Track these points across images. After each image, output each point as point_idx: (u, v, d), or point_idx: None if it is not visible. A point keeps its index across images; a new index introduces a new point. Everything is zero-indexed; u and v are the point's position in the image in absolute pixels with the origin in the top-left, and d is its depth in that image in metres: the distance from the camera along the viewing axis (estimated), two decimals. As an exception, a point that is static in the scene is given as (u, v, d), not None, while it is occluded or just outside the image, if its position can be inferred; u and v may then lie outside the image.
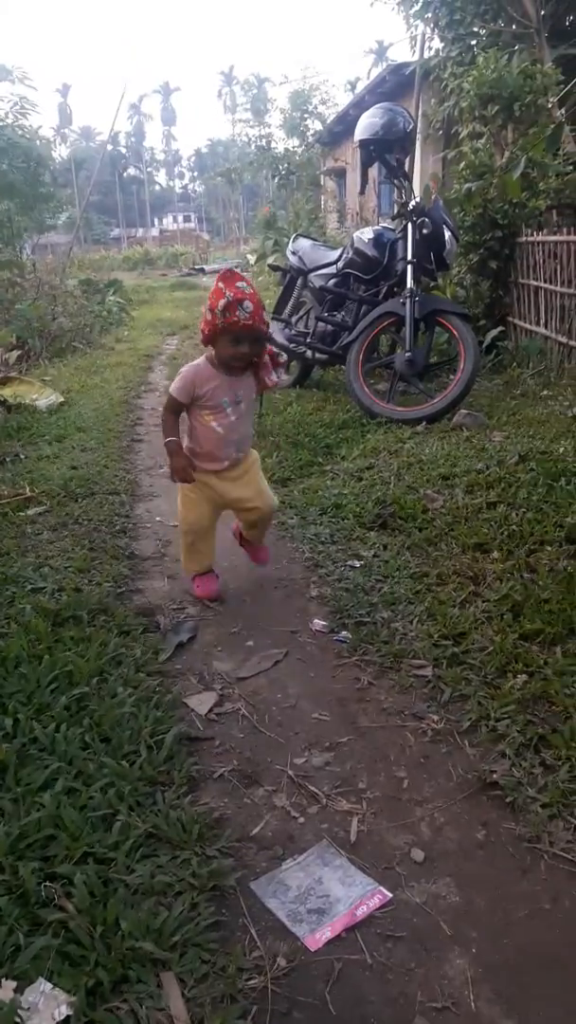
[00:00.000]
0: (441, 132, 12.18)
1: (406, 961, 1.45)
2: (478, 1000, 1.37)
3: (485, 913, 1.55)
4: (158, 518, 3.85)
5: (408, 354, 5.27)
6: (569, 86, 8.02)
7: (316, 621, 2.70)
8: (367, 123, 5.57)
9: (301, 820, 1.81)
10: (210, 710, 2.23)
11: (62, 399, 6.43)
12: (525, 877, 1.63)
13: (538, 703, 2.14)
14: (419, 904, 1.58)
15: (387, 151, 5.54)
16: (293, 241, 6.80)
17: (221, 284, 2.47)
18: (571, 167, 7.01)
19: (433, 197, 6.32)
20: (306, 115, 22.67)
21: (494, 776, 1.88)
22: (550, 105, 7.83)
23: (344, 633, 2.60)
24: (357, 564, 3.04)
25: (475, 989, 1.39)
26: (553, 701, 2.13)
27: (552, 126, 7.35)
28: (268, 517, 2.97)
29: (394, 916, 1.55)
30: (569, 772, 1.86)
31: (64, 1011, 1.28)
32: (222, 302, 2.45)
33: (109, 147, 69.27)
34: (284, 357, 2.61)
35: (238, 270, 2.55)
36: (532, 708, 2.12)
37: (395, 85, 14.25)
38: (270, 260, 12.76)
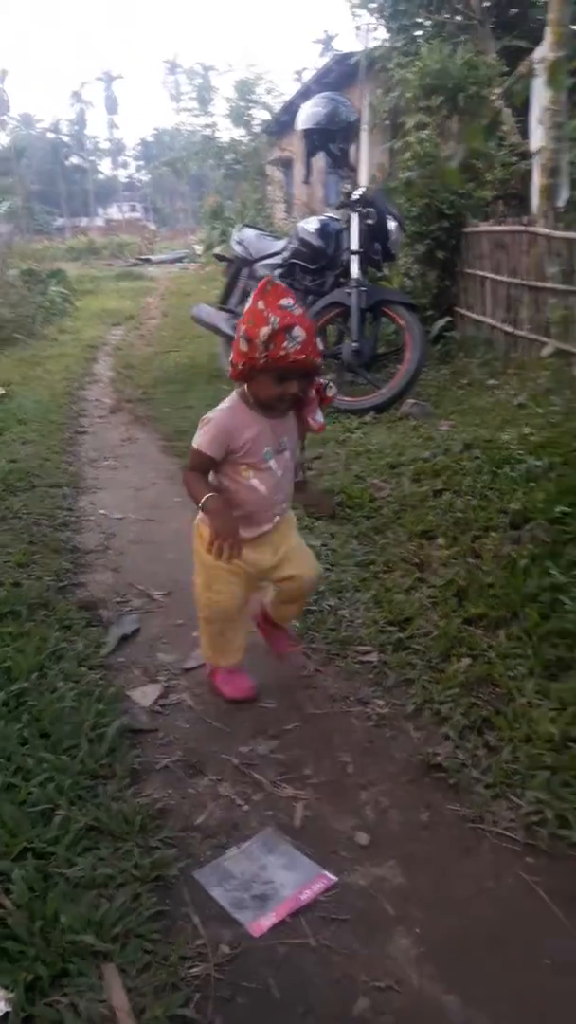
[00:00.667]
0: (388, 122, 12.22)
1: (350, 943, 1.46)
2: (422, 978, 1.38)
3: (429, 893, 1.57)
4: (102, 511, 3.79)
5: (355, 344, 5.29)
6: (513, 78, 8.11)
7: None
8: (310, 112, 5.56)
9: (246, 808, 1.80)
10: (154, 702, 2.21)
11: (2, 391, 6.29)
12: (468, 857, 1.65)
13: (482, 686, 2.16)
14: (363, 887, 1.58)
15: (330, 141, 5.54)
16: (238, 231, 6.76)
17: (261, 305, 1.84)
18: (516, 158, 7.10)
19: (376, 187, 6.34)
20: (252, 104, 22.54)
21: (438, 759, 1.90)
22: (493, 96, 7.91)
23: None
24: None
25: (419, 968, 1.40)
26: (496, 683, 2.16)
27: (490, 117, 7.44)
28: (311, 589, 2.34)
29: (339, 899, 1.55)
30: (512, 753, 1.88)
31: (2, 1007, 1.25)
32: (265, 331, 1.82)
33: (51, 135, 68.02)
34: (334, 391, 2.08)
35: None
36: (476, 691, 2.14)
37: (341, 75, 14.24)
38: (216, 250, 12.67)
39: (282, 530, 2.18)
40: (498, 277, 6.17)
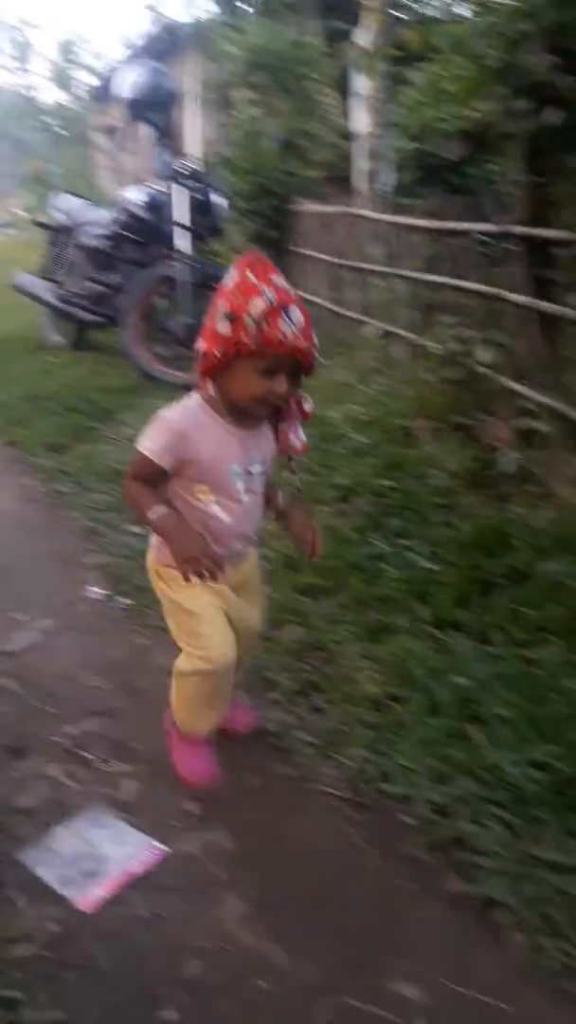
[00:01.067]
0: (218, 96, 12.11)
1: (181, 910, 1.47)
2: (251, 937, 1.42)
3: (259, 855, 1.61)
4: None
5: (185, 318, 5.24)
6: (331, 60, 8.26)
7: (92, 589, 2.63)
8: (131, 81, 5.44)
9: (73, 786, 1.77)
10: (-27, 688, 2.11)
11: None
12: (296, 816, 1.71)
13: (310, 651, 2.23)
14: (194, 854, 1.60)
15: (150, 111, 5.46)
16: (59, 198, 6.50)
17: (251, 275, 1.45)
18: (340, 139, 7.25)
19: (199, 161, 6.28)
20: (75, 66, 21.60)
21: (268, 724, 1.94)
22: (315, 77, 8.03)
23: (122, 599, 2.55)
24: (137, 530, 2.99)
25: (249, 927, 1.44)
26: (323, 648, 2.23)
27: (310, 96, 7.56)
28: (256, 643, 1.91)
29: (170, 869, 1.56)
30: (337, 714, 1.96)
31: None
32: (260, 306, 1.43)
33: None
34: (311, 404, 1.69)
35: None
36: (304, 657, 2.21)
37: (169, 44, 13.93)
38: (37, 217, 12.09)
39: (249, 571, 1.81)
40: (324, 257, 6.30)
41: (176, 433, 1.56)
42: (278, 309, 1.44)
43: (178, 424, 1.57)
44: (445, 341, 3.76)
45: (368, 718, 1.93)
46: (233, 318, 1.44)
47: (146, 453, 1.56)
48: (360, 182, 6.27)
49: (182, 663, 1.69)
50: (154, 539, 1.67)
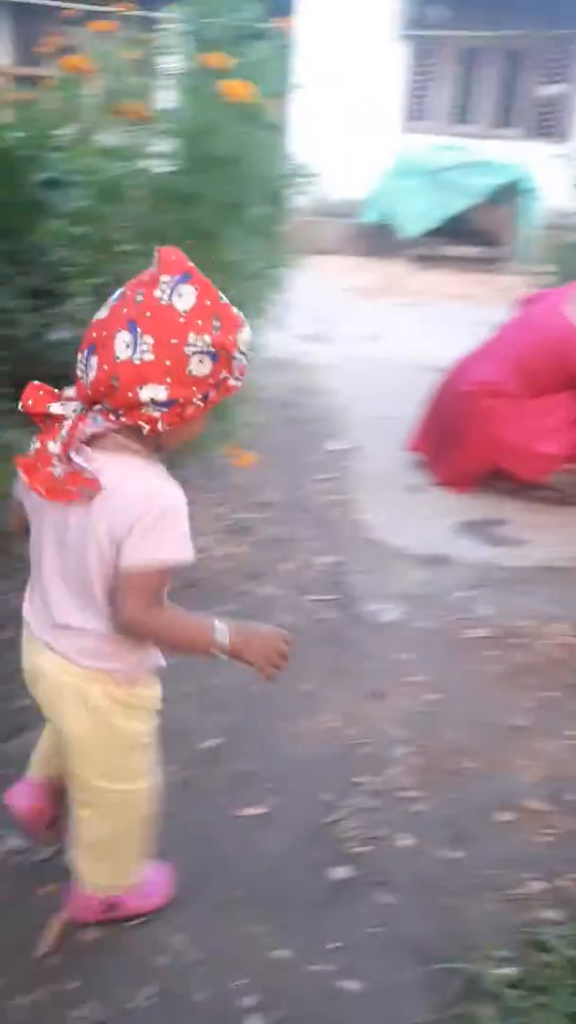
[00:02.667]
0: None
1: None
2: None
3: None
4: None
5: None
6: None
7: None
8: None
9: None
10: None
11: None
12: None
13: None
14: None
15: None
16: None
17: (221, 296, 1.08)
18: None
19: None
20: None
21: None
22: None
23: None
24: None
25: None
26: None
27: None
28: None
29: None
30: None
31: None
32: (245, 335, 1.10)
33: None
34: None
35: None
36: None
37: None
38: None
39: None
40: None
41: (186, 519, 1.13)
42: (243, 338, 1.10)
43: (184, 510, 1.12)
44: None
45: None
46: (217, 354, 1.05)
47: (185, 558, 1.11)
48: None
49: (141, 814, 1.31)
50: (102, 650, 1.17)
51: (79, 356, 1.08)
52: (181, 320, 1.03)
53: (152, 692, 1.26)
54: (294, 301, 3.95)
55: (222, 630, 1.13)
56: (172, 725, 1.82)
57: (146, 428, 1.07)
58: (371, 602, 2.39)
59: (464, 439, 3.15)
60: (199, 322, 1.03)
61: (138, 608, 1.11)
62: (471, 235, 9.43)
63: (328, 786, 1.70)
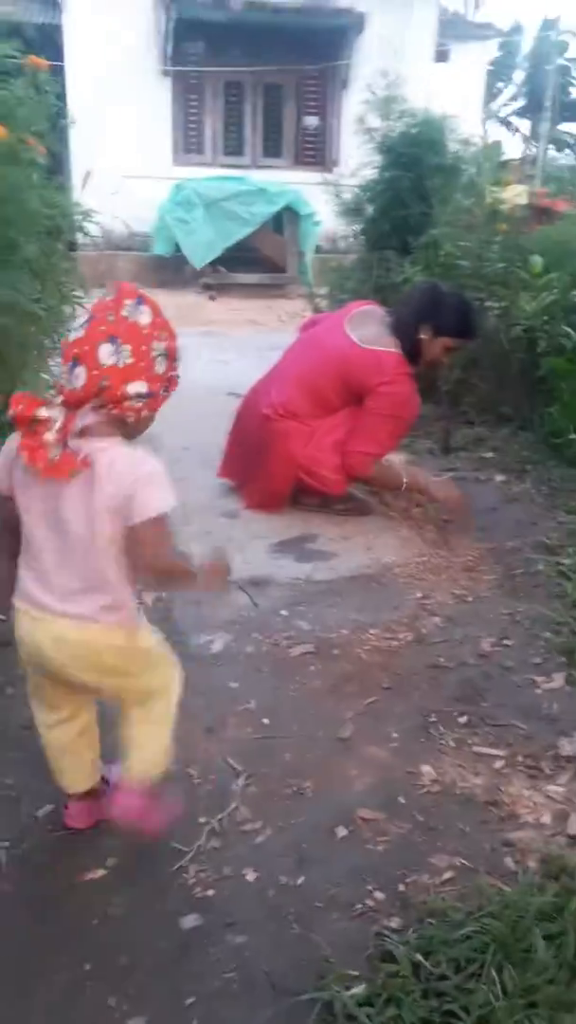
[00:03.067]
0: None
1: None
2: None
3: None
4: None
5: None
6: None
7: None
8: None
9: None
10: None
11: None
12: None
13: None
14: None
15: None
16: None
17: (158, 317, 1.42)
18: None
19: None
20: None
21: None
22: None
23: None
24: None
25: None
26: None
27: None
28: None
29: None
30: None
31: None
32: (178, 342, 1.46)
33: None
34: None
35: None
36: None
37: None
38: None
39: None
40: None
41: None
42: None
43: None
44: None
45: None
46: (168, 356, 1.42)
47: (175, 503, 1.41)
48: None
49: (173, 707, 1.58)
50: (109, 604, 1.42)
51: (63, 369, 1.38)
52: (145, 332, 1.37)
53: (144, 620, 1.54)
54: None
55: (200, 570, 1.51)
56: (0, 795, 1.73)
57: (131, 417, 1.40)
58: (199, 634, 2.38)
59: (266, 461, 3.23)
60: (156, 333, 1.39)
61: (166, 552, 1.41)
62: (256, 262, 9.74)
63: (172, 833, 1.66)
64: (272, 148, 10.65)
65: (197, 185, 8.97)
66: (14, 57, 2.75)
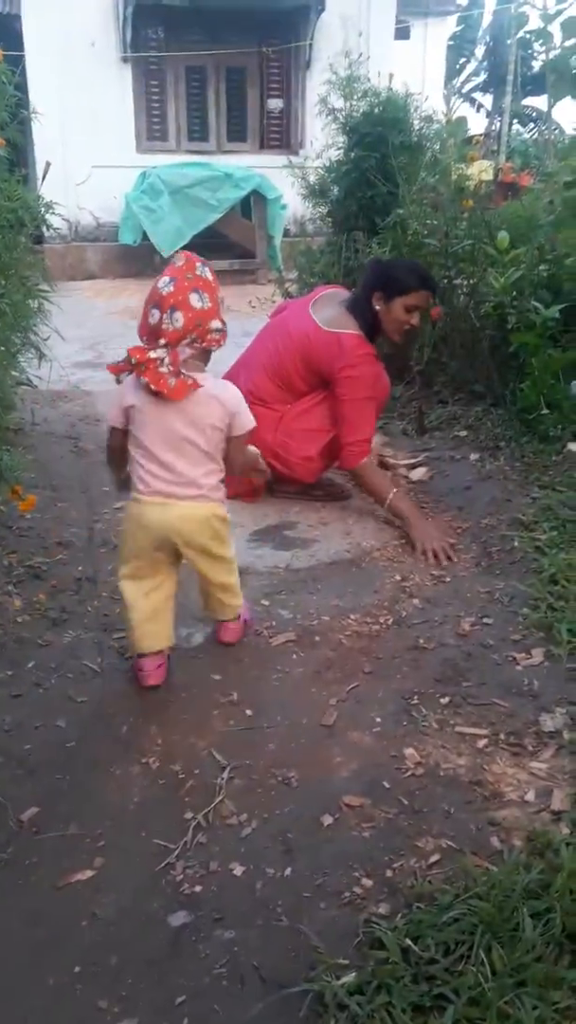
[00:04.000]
0: None
1: None
2: None
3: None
4: None
5: None
6: None
7: None
8: None
9: None
10: None
11: None
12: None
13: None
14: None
15: None
16: None
17: (213, 276, 1.92)
18: None
19: None
20: None
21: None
22: None
23: None
24: None
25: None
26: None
27: None
28: None
29: None
30: None
31: None
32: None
33: None
34: None
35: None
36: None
37: None
38: None
39: None
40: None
41: None
42: None
43: None
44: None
45: None
46: (221, 302, 1.95)
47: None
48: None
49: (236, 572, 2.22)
50: (213, 487, 2.02)
51: (163, 316, 1.82)
52: (213, 284, 1.90)
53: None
54: (63, 330, 3.83)
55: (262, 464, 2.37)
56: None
57: (215, 347, 1.94)
58: (180, 627, 2.36)
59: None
60: (217, 285, 1.91)
61: (250, 453, 2.17)
62: (225, 248, 9.65)
63: (158, 831, 1.66)
64: (237, 132, 10.54)
65: (162, 172, 8.86)
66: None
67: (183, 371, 1.85)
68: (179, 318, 1.82)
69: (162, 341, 1.83)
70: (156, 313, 1.83)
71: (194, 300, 1.83)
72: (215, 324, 1.88)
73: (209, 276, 1.89)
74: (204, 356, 1.96)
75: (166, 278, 1.85)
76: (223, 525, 2.06)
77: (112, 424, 2.00)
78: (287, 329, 3.20)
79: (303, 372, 3.14)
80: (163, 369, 1.83)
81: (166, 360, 1.83)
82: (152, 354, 1.83)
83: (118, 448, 2.04)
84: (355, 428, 3.05)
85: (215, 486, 2.01)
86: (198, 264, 1.89)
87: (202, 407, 1.91)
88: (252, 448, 2.19)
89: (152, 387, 1.82)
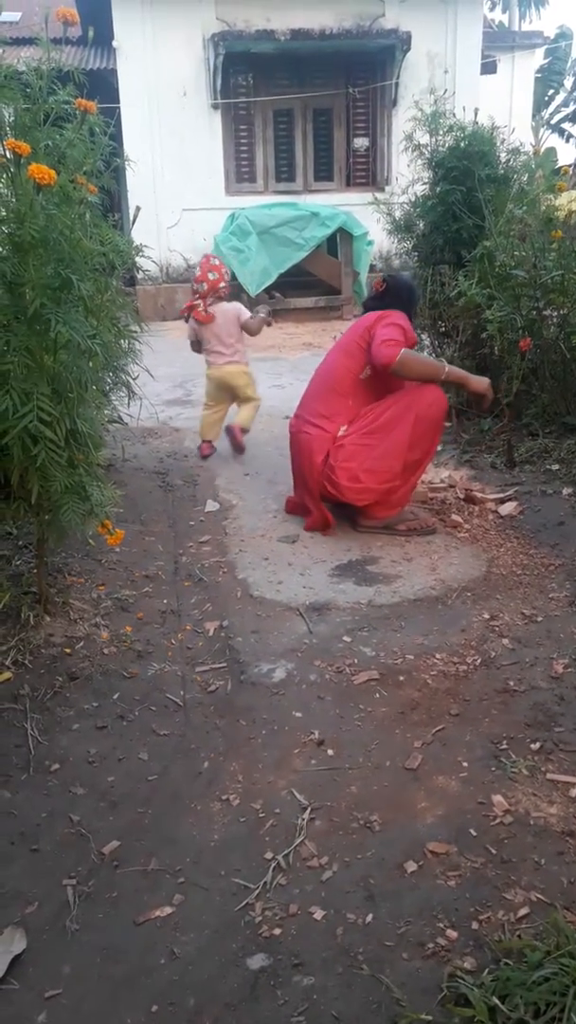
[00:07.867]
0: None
1: None
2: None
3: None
4: None
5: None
6: None
7: None
8: None
9: None
10: None
11: None
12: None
13: None
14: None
15: None
16: None
17: (220, 262, 4.36)
18: None
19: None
20: None
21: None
22: None
23: None
24: None
25: None
26: None
27: None
28: None
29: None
30: None
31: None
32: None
33: None
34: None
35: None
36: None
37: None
38: None
39: None
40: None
41: None
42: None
43: None
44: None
45: None
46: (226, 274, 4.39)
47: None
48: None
49: (258, 405, 4.45)
50: (242, 359, 4.36)
51: (197, 285, 4.25)
52: (220, 268, 4.28)
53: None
54: (154, 368, 3.96)
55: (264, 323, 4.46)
56: (67, 832, 1.73)
57: (223, 294, 4.25)
58: (260, 663, 2.36)
59: (308, 479, 3.22)
60: (221, 268, 4.29)
61: (255, 326, 4.34)
62: (311, 286, 9.77)
63: (238, 870, 1.64)
64: (323, 171, 10.72)
65: (249, 213, 9.08)
66: (68, 103, 2.84)
67: (208, 308, 4.19)
68: (204, 285, 4.17)
69: (197, 297, 4.20)
70: (195, 284, 4.21)
71: (211, 276, 4.18)
72: (222, 285, 4.18)
73: (217, 263, 4.25)
74: (219, 299, 4.22)
75: (199, 270, 4.25)
76: (249, 378, 4.33)
77: (190, 338, 4.38)
78: (337, 344, 3.37)
79: (345, 370, 3.23)
80: (200, 309, 4.20)
81: (201, 305, 4.20)
82: (196, 303, 4.21)
83: (194, 346, 4.40)
84: (386, 334, 3.08)
85: (241, 356, 4.29)
86: (212, 258, 4.30)
87: (222, 316, 4.21)
88: (255, 320, 4.24)
89: (196, 319, 4.20)
